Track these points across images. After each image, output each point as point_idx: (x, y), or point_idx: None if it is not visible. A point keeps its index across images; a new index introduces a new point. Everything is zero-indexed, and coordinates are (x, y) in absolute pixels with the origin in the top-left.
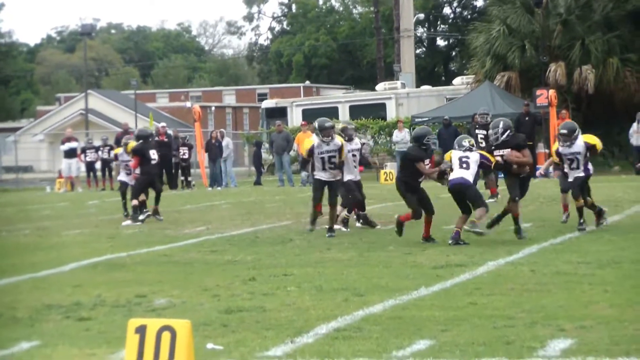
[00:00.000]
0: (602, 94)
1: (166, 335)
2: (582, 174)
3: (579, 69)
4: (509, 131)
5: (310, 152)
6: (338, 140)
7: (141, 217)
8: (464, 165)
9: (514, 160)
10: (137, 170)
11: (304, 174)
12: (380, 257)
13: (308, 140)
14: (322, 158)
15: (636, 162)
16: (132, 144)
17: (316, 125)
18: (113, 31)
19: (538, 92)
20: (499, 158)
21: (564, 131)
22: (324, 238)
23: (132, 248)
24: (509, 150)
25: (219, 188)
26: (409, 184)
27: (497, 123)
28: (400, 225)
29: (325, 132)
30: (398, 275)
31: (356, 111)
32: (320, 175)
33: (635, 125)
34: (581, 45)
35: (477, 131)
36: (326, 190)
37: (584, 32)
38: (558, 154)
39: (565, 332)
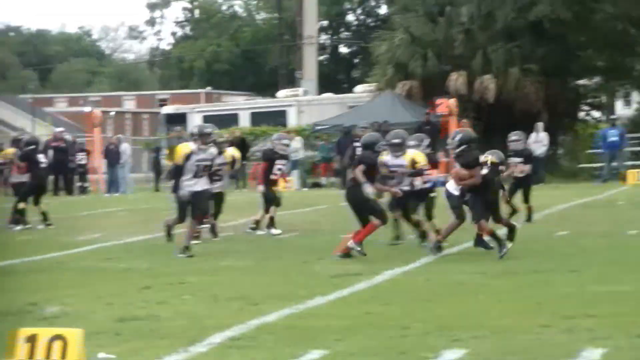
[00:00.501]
0: (503, 104)
1: (57, 345)
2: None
3: (480, 78)
4: (464, 146)
5: (187, 158)
6: (215, 149)
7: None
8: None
9: (456, 178)
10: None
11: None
12: (277, 265)
13: (184, 145)
14: (197, 166)
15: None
16: (8, 150)
17: (195, 131)
18: (12, 34)
19: (438, 101)
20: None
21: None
22: (221, 246)
23: (25, 255)
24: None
25: (116, 194)
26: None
27: (455, 134)
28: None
29: (203, 139)
30: (294, 284)
31: (257, 118)
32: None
33: (534, 134)
34: (483, 54)
35: (355, 144)
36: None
37: (485, 41)
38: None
39: (459, 342)
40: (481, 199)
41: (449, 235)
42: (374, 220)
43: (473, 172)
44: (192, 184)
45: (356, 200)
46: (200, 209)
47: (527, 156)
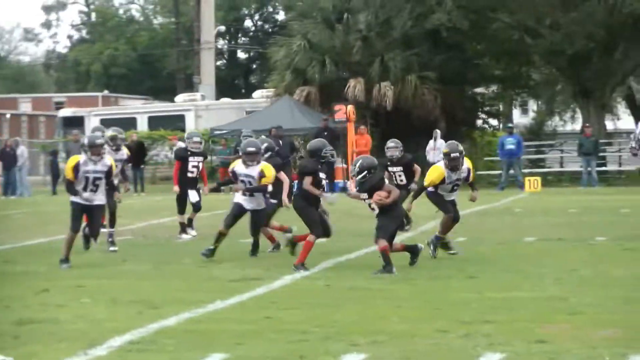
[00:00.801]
0: (401, 111)
1: None
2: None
3: (378, 85)
4: (365, 172)
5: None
6: (108, 160)
7: None
8: None
9: (380, 204)
10: None
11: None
12: (176, 269)
13: (72, 158)
14: (87, 178)
15: None
16: None
17: (85, 142)
18: None
19: (336, 107)
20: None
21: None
22: (120, 250)
23: None
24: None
25: (13, 197)
26: (309, 198)
27: (356, 161)
28: (293, 245)
29: (94, 150)
30: (193, 288)
31: (155, 122)
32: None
33: (431, 142)
34: (380, 61)
35: None
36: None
37: (383, 49)
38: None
39: (358, 346)
40: (392, 215)
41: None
42: (310, 236)
43: (387, 190)
44: (89, 196)
45: (297, 210)
46: (95, 222)
47: (405, 164)
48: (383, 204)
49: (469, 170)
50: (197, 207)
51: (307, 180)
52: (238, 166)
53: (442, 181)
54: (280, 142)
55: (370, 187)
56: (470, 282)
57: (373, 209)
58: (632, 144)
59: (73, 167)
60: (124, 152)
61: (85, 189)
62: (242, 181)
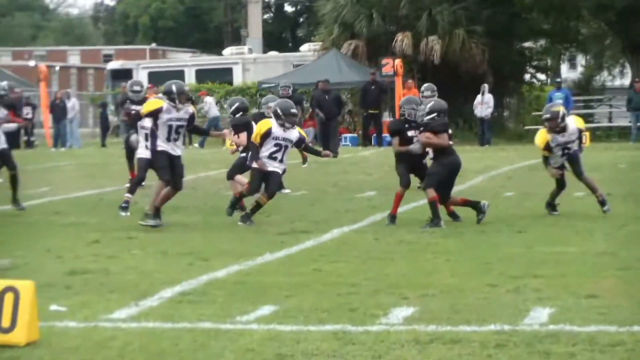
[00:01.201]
0: (448, 65)
1: (9, 296)
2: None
3: (425, 39)
4: (434, 114)
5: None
6: (191, 107)
7: None
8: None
9: (424, 142)
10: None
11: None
12: (225, 222)
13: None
14: (170, 126)
15: (480, 133)
16: None
17: (173, 89)
18: None
19: (384, 61)
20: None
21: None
22: (170, 201)
23: None
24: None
25: (63, 149)
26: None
27: (427, 102)
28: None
29: (182, 97)
30: (243, 241)
31: (203, 75)
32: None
33: (479, 96)
34: (428, 15)
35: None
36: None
37: (430, 2)
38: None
39: (407, 300)
40: (443, 162)
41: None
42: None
43: (442, 136)
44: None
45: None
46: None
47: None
48: (428, 142)
49: (579, 131)
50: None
51: (395, 142)
52: (275, 127)
53: (548, 147)
54: (327, 96)
55: (434, 127)
56: (519, 237)
57: (421, 153)
58: None
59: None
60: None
61: (168, 139)
62: (279, 144)
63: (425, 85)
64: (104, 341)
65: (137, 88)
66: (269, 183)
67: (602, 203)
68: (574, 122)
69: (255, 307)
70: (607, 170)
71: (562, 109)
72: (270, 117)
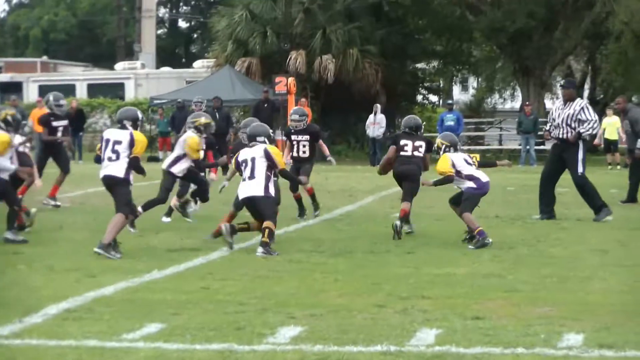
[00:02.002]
0: (341, 84)
1: None
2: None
3: (319, 58)
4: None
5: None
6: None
7: None
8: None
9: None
10: None
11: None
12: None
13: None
14: None
15: (371, 152)
16: None
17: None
18: None
19: (277, 79)
20: None
21: None
22: (57, 216)
23: None
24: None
25: None
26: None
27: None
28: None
29: None
30: (131, 257)
31: (94, 90)
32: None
33: (372, 116)
34: (322, 34)
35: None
36: None
37: (325, 21)
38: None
39: (295, 319)
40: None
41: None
42: None
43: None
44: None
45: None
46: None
47: (312, 133)
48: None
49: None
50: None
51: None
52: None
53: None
54: (217, 114)
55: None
56: (408, 257)
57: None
58: (546, 127)
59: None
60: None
61: None
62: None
63: (295, 108)
64: None
65: (62, 102)
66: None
67: (471, 238)
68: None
69: (141, 325)
70: (496, 192)
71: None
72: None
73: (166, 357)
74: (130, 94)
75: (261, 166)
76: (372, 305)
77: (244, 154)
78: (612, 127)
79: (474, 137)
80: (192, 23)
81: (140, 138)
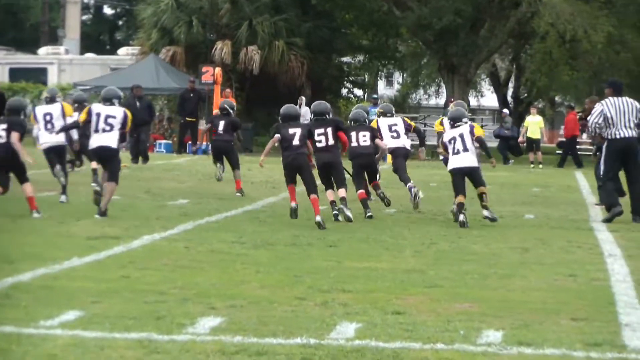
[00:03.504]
0: (267, 75)
1: None
2: None
3: (245, 49)
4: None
5: None
6: None
7: None
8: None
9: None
10: None
11: None
12: (33, 224)
13: None
14: None
15: None
16: None
17: None
18: None
19: (204, 68)
20: None
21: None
22: None
23: None
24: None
25: None
26: None
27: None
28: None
29: None
30: (50, 245)
31: (17, 74)
32: None
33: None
34: (248, 25)
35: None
36: None
37: (251, 12)
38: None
39: (215, 310)
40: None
41: None
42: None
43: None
44: None
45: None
46: None
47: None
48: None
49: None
50: None
51: None
52: None
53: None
54: (138, 103)
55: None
56: (330, 251)
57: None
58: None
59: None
60: None
61: None
62: None
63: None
64: None
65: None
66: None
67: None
68: None
69: (60, 312)
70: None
71: None
72: None
73: (84, 344)
74: (53, 79)
75: (469, 140)
76: (293, 298)
77: (451, 133)
78: (535, 125)
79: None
80: (118, 10)
81: (130, 116)
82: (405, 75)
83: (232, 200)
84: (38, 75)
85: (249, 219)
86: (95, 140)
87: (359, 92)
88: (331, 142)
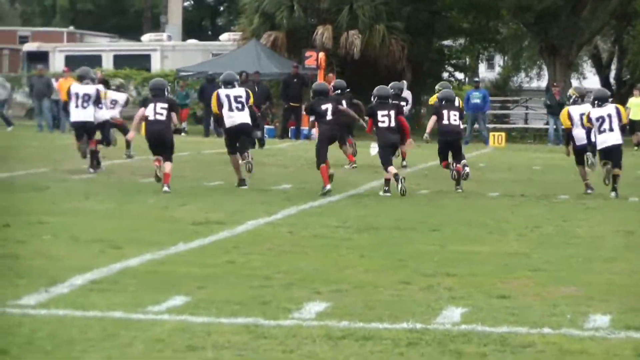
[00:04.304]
0: (368, 60)
1: None
2: None
3: (346, 33)
4: None
5: None
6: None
7: None
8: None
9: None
10: None
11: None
12: (139, 210)
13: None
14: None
15: None
16: None
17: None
18: None
19: (307, 53)
20: None
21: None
22: (82, 187)
23: None
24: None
25: None
26: None
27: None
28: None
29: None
30: (156, 230)
31: (120, 61)
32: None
33: None
34: (349, 9)
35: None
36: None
37: None
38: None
39: (320, 294)
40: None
41: None
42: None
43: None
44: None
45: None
46: None
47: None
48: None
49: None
50: None
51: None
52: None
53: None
54: (256, 88)
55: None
56: (433, 235)
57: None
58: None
59: None
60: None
61: None
62: None
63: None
64: (11, 327)
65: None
66: None
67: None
68: None
69: (167, 298)
70: (522, 171)
71: None
72: None
73: (192, 329)
74: (156, 65)
75: (616, 120)
76: (398, 282)
77: (597, 112)
78: (638, 107)
79: (500, 115)
80: None
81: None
82: (506, 57)
83: (334, 184)
84: (141, 62)
85: (352, 203)
86: (235, 119)
87: (460, 75)
88: (393, 124)
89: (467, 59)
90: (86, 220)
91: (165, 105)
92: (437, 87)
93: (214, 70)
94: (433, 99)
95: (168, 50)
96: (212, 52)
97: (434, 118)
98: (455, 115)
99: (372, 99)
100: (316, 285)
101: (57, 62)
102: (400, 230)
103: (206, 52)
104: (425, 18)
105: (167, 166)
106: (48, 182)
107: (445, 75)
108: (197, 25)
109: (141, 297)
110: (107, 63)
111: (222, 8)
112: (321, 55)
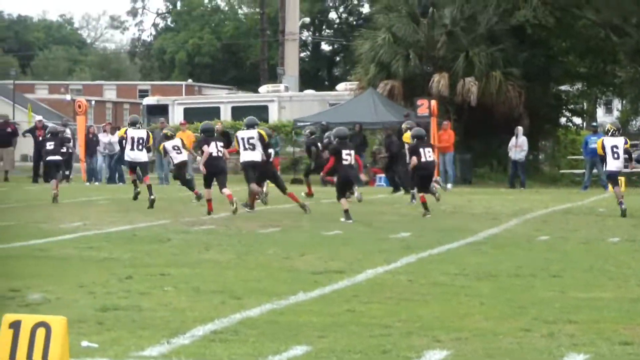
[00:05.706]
0: (484, 107)
1: (41, 332)
2: None
3: (462, 81)
4: None
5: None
6: None
7: None
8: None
9: None
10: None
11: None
12: (259, 260)
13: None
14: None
15: (511, 174)
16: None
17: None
18: None
19: (419, 102)
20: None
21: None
22: (203, 238)
23: (5, 241)
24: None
25: (96, 183)
26: None
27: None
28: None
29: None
30: (276, 280)
31: (238, 112)
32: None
33: (514, 139)
34: (465, 57)
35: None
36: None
37: (468, 44)
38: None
39: (441, 343)
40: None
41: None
42: None
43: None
44: None
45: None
46: None
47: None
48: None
49: None
50: None
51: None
52: None
53: None
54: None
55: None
56: (553, 281)
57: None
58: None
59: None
60: None
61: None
62: None
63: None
64: None
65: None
66: None
67: None
68: None
69: (287, 347)
70: None
71: None
72: None
73: None
74: (273, 116)
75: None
76: (518, 329)
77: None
78: None
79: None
80: (335, 46)
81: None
82: (624, 101)
83: (453, 232)
84: (259, 112)
85: (470, 250)
86: (243, 157)
87: (577, 120)
88: (353, 161)
89: (585, 104)
90: (207, 272)
91: (221, 143)
92: (403, 125)
93: (331, 120)
94: (407, 137)
95: (285, 100)
96: (329, 102)
97: (414, 159)
98: (429, 152)
99: (332, 139)
100: (436, 333)
101: (176, 115)
102: (520, 277)
103: (323, 102)
104: (542, 63)
105: (226, 191)
106: (169, 234)
107: (562, 120)
108: (314, 76)
109: (262, 347)
110: (225, 115)
111: (338, 58)
112: (433, 102)
